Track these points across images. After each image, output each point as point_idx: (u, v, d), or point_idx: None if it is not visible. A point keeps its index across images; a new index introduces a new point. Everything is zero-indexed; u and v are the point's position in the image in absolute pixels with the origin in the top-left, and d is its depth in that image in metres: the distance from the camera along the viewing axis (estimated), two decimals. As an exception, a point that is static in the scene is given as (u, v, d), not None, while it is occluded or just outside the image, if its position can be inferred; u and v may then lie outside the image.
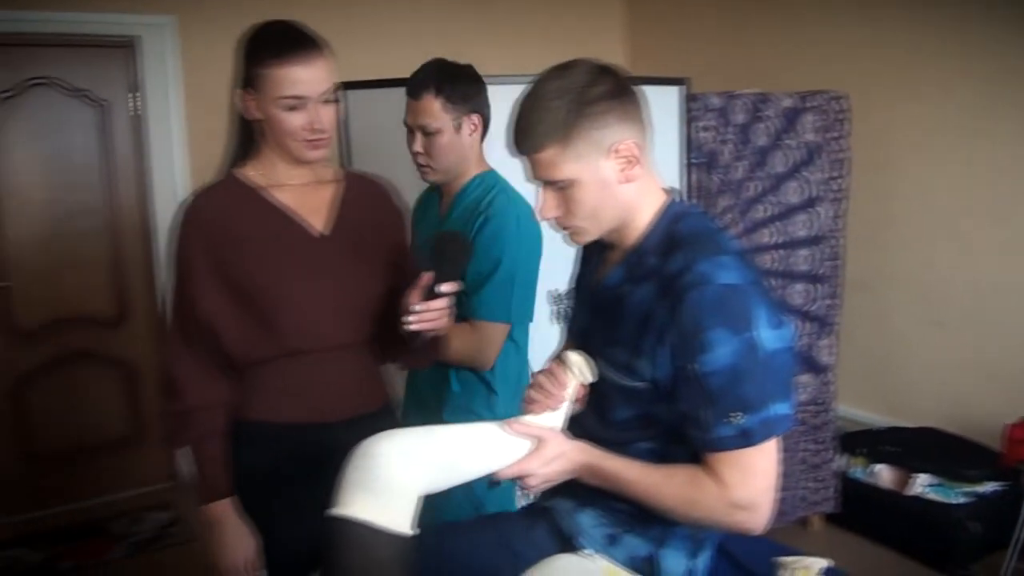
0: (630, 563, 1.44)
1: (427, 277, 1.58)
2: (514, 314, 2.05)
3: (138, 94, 4.09)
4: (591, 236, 1.45)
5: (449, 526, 1.60)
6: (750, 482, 1.32)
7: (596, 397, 1.49)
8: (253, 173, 1.73)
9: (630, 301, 1.40)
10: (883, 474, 3.51)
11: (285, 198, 1.72)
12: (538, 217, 1.44)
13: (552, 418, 1.44)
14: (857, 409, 3.89)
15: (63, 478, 4.12)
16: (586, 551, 1.26)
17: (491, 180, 2.13)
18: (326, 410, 1.71)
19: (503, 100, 2.76)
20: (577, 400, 1.48)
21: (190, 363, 1.66)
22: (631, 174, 1.38)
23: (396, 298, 1.67)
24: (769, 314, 1.30)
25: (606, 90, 1.34)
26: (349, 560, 1.18)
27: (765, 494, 1.33)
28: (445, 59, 2.11)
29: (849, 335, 3.65)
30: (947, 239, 3.60)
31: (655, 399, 1.38)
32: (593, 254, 1.59)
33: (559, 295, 2.88)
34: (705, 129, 3.14)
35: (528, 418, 1.44)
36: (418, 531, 1.24)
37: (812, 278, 3.38)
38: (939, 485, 3.35)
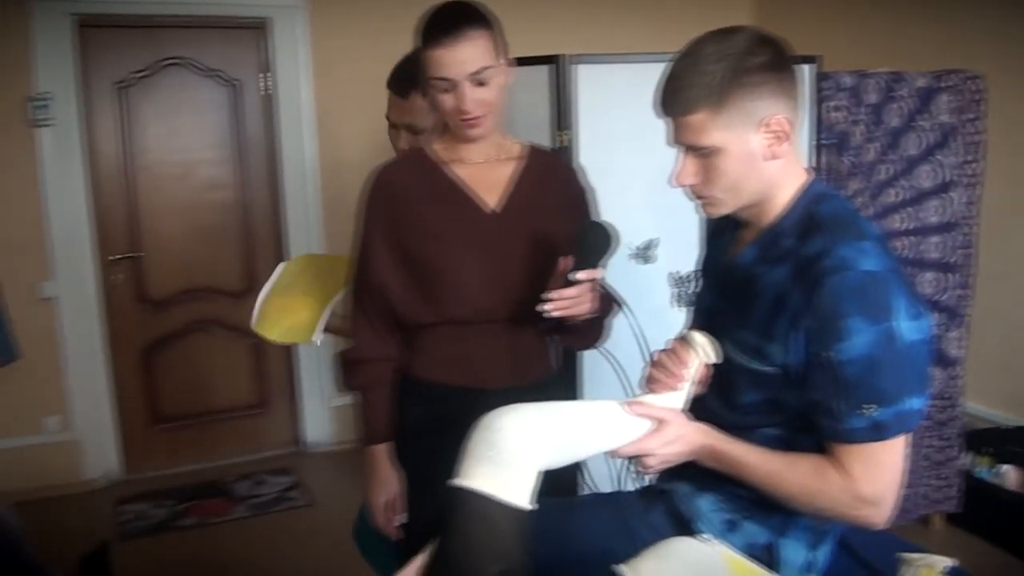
0: (748, 550, 1.42)
1: (564, 263, 1.58)
2: None
3: (269, 74, 4.22)
4: (726, 209, 1.41)
5: (568, 502, 1.61)
6: (877, 476, 1.28)
7: (721, 379, 1.46)
8: (439, 147, 1.82)
9: (763, 282, 1.37)
10: (1009, 475, 3.37)
11: (463, 173, 1.78)
12: (673, 183, 1.41)
13: (673, 399, 1.42)
14: (985, 406, 3.72)
15: (189, 440, 4.35)
16: (704, 536, 1.25)
17: None
18: (483, 377, 1.77)
19: (625, 77, 2.80)
20: (700, 381, 1.46)
21: (364, 319, 1.82)
22: (778, 150, 1.34)
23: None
24: (908, 304, 1.26)
25: (765, 60, 1.30)
26: (468, 530, 1.20)
27: (891, 489, 1.29)
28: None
29: (979, 328, 3.48)
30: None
31: (784, 385, 1.35)
32: (724, 231, 1.56)
33: (680, 277, 2.85)
34: (836, 109, 3.04)
35: (649, 398, 1.42)
36: (537, 506, 1.25)
37: (943, 267, 3.25)
38: (1070, 489, 3.19)
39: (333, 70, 4.17)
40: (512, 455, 1.22)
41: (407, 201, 1.77)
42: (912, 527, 3.44)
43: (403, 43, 3.67)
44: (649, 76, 2.77)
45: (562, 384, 1.95)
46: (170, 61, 4.10)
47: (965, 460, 3.47)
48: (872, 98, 3.07)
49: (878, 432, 1.26)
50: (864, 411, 1.26)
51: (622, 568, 1.15)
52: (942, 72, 3.17)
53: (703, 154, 1.35)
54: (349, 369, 1.84)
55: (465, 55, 1.64)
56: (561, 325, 1.66)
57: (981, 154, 3.25)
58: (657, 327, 2.18)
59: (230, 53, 4.16)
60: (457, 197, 1.77)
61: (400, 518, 1.86)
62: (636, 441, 1.37)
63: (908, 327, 1.25)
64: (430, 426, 1.79)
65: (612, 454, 1.38)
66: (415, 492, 1.85)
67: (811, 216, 1.36)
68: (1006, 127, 3.47)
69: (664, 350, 1.49)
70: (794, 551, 1.44)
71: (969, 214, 3.27)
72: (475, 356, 1.78)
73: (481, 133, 1.73)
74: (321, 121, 4.22)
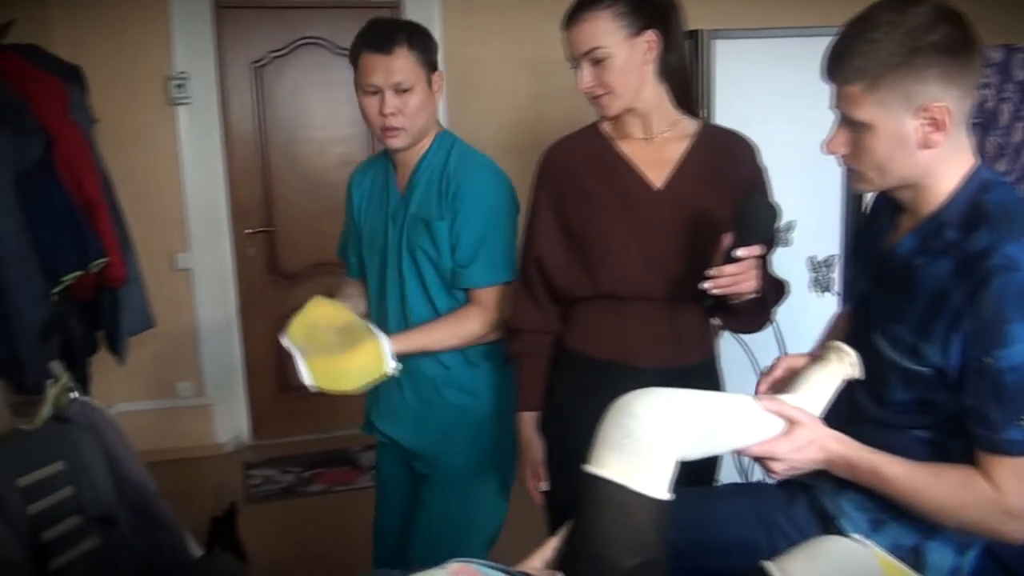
0: (893, 552, 1.34)
1: (727, 240, 1.53)
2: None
3: (400, 54, 4.26)
4: (873, 187, 1.34)
5: (706, 491, 1.56)
6: None
7: (872, 374, 1.38)
8: (606, 125, 1.82)
9: (922, 275, 1.28)
10: None
11: (632, 150, 1.77)
12: (823, 150, 1.35)
13: (812, 403, 1.35)
14: None
15: (315, 409, 4.44)
16: (854, 535, 1.19)
17: (450, 139, 2.02)
18: (635, 355, 1.75)
19: (764, 52, 2.72)
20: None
21: (525, 290, 1.87)
22: (933, 139, 1.24)
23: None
24: None
25: (939, 40, 1.20)
26: (603, 520, 1.15)
27: None
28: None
29: None
30: None
31: (938, 386, 1.27)
32: (882, 213, 1.46)
33: (818, 262, 2.76)
34: (983, 86, 2.87)
35: (786, 397, 1.35)
36: (674, 496, 1.19)
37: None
38: None
39: (464, 49, 4.18)
40: (648, 443, 1.17)
41: (575, 175, 1.78)
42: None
43: (535, 21, 3.67)
44: (788, 52, 2.72)
45: (713, 369, 1.90)
46: (304, 41, 4.19)
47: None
48: (1021, 74, 2.89)
49: None
50: (1021, 422, 1.17)
51: (770, 565, 1.08)
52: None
53: (854, 127, 1.27)
54: (509, 338, 1.91)
55: (585, 35, 1.69)
56: (721, 304, 1.62)
57: None
58: (793, 312, 2.10)
59: (364, 32, 4.22)
60: (623, 173, 1.75)
61: (542, 485, 1.88)
62: (766, 441, 1.30)
63: None
64: (576, 397, 1.80)
65: (740, 452, 1.32)
66: (556, 462, 1.85)
67: (977, 206, 1.26)
68: None
69: (810, 355, 1.42)
70: (941, 555, 1.37)
71: None
72: (628, 332, 1.76)
73: (608, 112, 1.75)
74: (451, 100, 4.24)
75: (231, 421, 4.33)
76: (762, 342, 2.58)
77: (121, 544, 2.19)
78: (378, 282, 2.06)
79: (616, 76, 1.68)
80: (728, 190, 1.74)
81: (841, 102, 1.27)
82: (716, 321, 1.85)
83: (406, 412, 2.07)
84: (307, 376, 1.75)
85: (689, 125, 1.80)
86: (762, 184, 1.82)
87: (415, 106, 1.87)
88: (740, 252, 1.51)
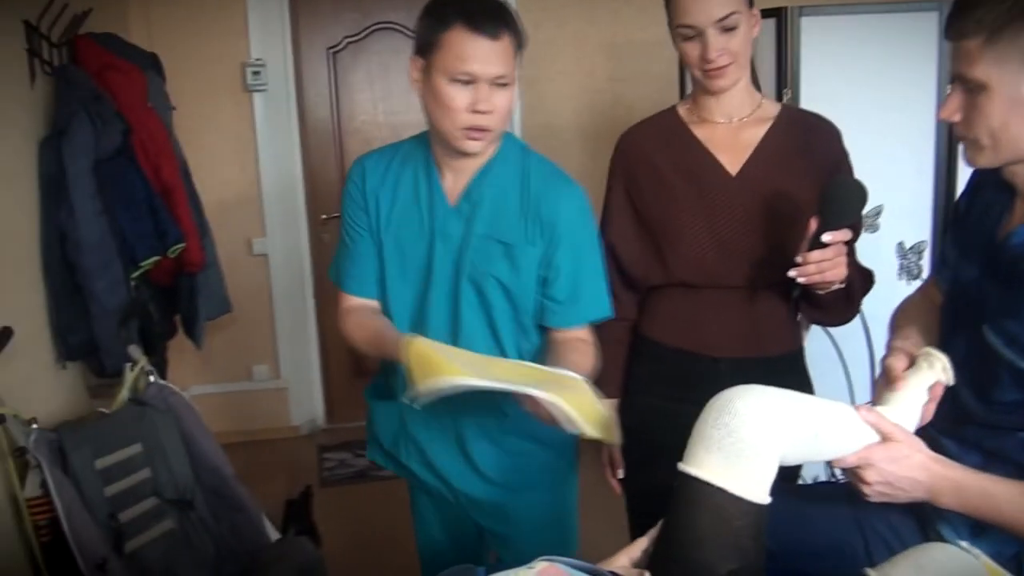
0: (995, 559, 1.24)
1: (813, 224, 1.46)
2: None
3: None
4: (986, 160, 1.24)
5: (800, 489, 1.50)
6: None
7: (979, 370, 1.29)
8: (683, 109, 1.78)
9: None
10: None
11: (709, 134, 1.72)
12: (939, 115, 1.27)
13: (904, 414, 1.27)
14: None
15: (388, 395, 4.48)
16: (961, 543, 1.11)
17: (519, 145, 1.72)
18: (710, 344, 1.72)
19: (852, 29, 2.62)
20: (932, 399, 1.30)
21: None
22: None
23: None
24: None
25: None
26: (699, 523, 1.10)
27: None
28: None
29: None
30: None
31: None
32: (990, 195, 1.36)
33: (907, 248, 2.65)
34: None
35: (882, 409, 1.27)
36: (772, 498, 1.13)
37: None
38: None
39: (538, 32, 4.12)
40: (751, 445, 1.10)
41: (650, 162, 1.74)
42: None
43: (611, 5, 3.58)
44: (876, 28, 2.62)
45: (798, 364, 1.82)
46: (380, 26, 4.18)
47: None
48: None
49: None
50: None
51: (872, 574, 1.03)
52: None
53: (969, 88, 1.19)
54: None
55: (708, 4, 1.57)
56: (807, 295, 1.56)
57: None
58: (881, 301, 1.99)
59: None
60: (698, 159, 1.71)
61: (619, 473, 1.85)
62: (861, 449, 1.21)
63: None
64: (652, 386, 1.79)
65: (835, 462, 1.23)
66: (632, 451, 1.80)
67: None
68: None
69: (902, 364, 1.34)
70: (1045, 563, 1.27)
71: None
72: (703, 321, 1.72)
73: (726, 84, 1.65)
74: (526, 83, 4.20)
75: (306, 405, 4.38)
76: (848, 334, 2.50)
77: (197, 526, 2.22)
78: (415, 311, 1.69)
79: (743, 45, 1.62)
80: (807, 175, 1.67)
81: (958, 61, 1.19)
82: (800, 314, 1.78)
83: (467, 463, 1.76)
84: (582, 424, 1.39)
85: (770, 108, 1.74)
86: (847, 169, 1.74)
87: (508, 106, 1.55)
88: (826, 237, 1.44)
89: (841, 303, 1.66)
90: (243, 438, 4.06)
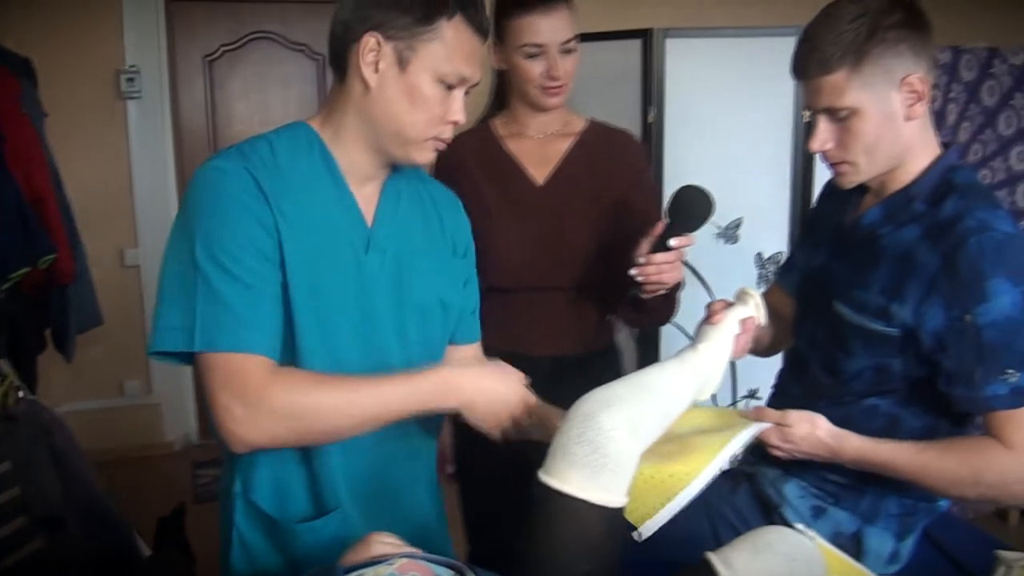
0: (834, 539, 1.38)
1: (659, 227, 1.53)
2: None
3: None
4: (860, 176, 1.37)
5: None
6: None
7: (828, 344, 1.43)
8: (499, 122, 1.86)
9: (888, 242, 1.35)
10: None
11: (519, 148, 1.82)
12: (810, 149, 1.38)
13: (720, 346, 1.38)
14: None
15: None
16: (798, 526, 1.21)
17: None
18: (526, 344, 1.78)
19: (714, 52, 2.76)
20: (746, 331, 1.41)
21: None
22: (915, 110, 1.31)
23: (624, 250, 1.67)
24: None
25: (902, 18, 1.27)
26: (561, 532, 1.12)
27: None
28: None
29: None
30: None
31: (900, 349, 1.32)
32: (840, 194, 1.51)
33: (766, 258, 2.81)
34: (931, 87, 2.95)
35: (702, 346, 1.36)
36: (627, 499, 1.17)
37: (1038, 253, 3.13)
38: None
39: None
40: (616, 459, 1.12)
41: (468, 173, 1.80)
42: (988, 519, 3.34)
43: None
44: (740, 51, 2.77)
45: (613, 360, 1.95)
46: (257, 35, 4.15)
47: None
48: (968, 75, 2.97)
49: (1021, 397, 1.23)
50: (1006, 376, 1.22)
51: (712, 557, 1.07)
52: (1043, 48, 3.05)
53: (840, 117, 1.31)
54: None
55: (562, 23, 1.69)
56: (638, 297, 1.62)
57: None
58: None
59: (316, 27, 4.18)
60: (509, 170, 1.81)
61: (448, 467, 1.92)
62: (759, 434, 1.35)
63: None
64: None
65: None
66: (462, 447, 1.90)
67: (947, 182, 1.33)
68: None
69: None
70: (880, 540, 1.41)
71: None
72: (520, 323, 1.81)
73: (560, 102, 1.77)
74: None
75: (180, 420, 4.28)
76: None
77: (68, 545, 2.16)
78: (331, 357, 1.34)
79: (575, 67, 1.75)
80: (610, 185, 1.81)
81: (822, 96, 1.31)
82: (618, 316, 1.89)
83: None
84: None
85: (577, 123, 1.86)
86: (648, 178, 1.90)
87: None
88: (673, 242, 1.50)
89: (664, 305, 1.75)
90: (116, 456, 3.94)
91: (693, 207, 1.49)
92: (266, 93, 4.23)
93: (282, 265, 1.22)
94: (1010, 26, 3.69)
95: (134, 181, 3.99)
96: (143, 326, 4.10)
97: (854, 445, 1.32)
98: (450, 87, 1.25)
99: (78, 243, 3.02)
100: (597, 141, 1.85)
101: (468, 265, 1.50)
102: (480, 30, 1.27)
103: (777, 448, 1.36)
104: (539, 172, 1.81)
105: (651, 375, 1.25)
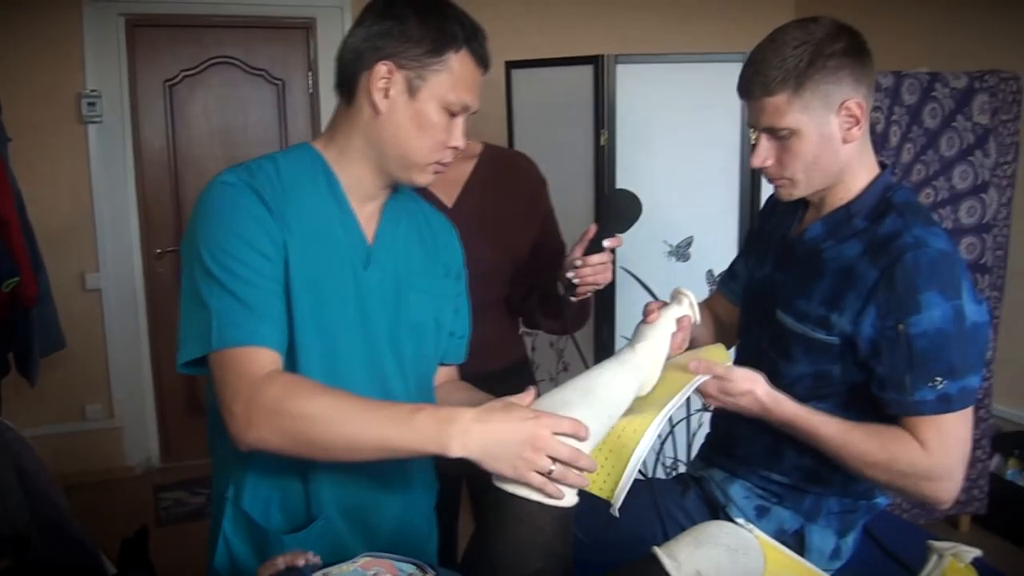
0: (778, 536, 1.45)
1: (591, 230, 1.58)
2: None
3: (312, 73, 4.30)
4: (799, 192, 1.45)
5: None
6: (950, 448, 1.32)
7: (771, 351, 1.51)
8: None
9: (831, 256, 1.42)
10: (1039, 478, 3.37)
11: None
12: (751, 165, 1.45)
13: (658, 345, 1.43)
14: (1014, 408, 3.72)
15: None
16: (739, 520, 1.29)
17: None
18: None
19: (664, 77, 2.85)
20: (683, 328, 1.47)
21: None
22: (852, 133, 1.38)
23: (532, 264, 1.79)
24: (971, 287, 1.32)
25: (844, 46, 1.35)
26: (515, 534, 1.17)
27: (961, 463, 1.34)
28: None
29: (1009, 330, 3.49)
30: None
31: (837, 356, 1.40)
32: (781, 210, 1.59)
33: (716, 276, 2.90)
34: (874, 109, 3.05)
35: (639, 345, 1.41)
36: (577, 498, 1.22)
37: (977, 268, 3.25)
38: (1100, 492, 3.19)
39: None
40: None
41: None
42: (939, 527, 3.45)
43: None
44: (688, 76, 2.86)
45: (526, 372, 2.02)
46: (217, 60, 4.19)
47: (993, 463, 3.48)
48: (910, 98, 3.08)
49: (946, 404, 1.31)
50: (934, 384, 1.30)
51: (659, 551, 1.14)
52: (980, 73, 3.18)
53: (781, 136, 1.39)
54: None
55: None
56: (568, 300, 1.67)
57: (1014, 155, 3.27)
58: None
59: (276, 52, 4.24)
60: (421, 195, 1.76)
61: None
62: (710, 382, 1.40)
63: (973, 308, 1.31)
64: None
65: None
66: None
67: (886, 201, 1.42)
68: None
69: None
70: (822, 537, 1.49)
71: (1003, 215, 3.28)
72: None
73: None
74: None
75: (141, 444, 4.28)
76: None
77: (34, 564, 2.16)
78: (329, 373, 1.36)
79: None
80: (512, 203, 1.90)
81: (764, 116, 1.39)
82: (538, 324, 1.95)
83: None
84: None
85: (474, 147, 1.93)
86: (545, 194, 1.97)
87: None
88: (607, 242, 1.56)
89: (583, 311, 1.85)
90: (77, 480, 3.93)
91: (624, 209, 1.56)
92: (226, 117, 4.26)
93: (286, 275, 1.28)
94: (950, 52, 3.83)
95: (95, 205, 4.00)
96: (104, 350, 4.11)
97: (789, 409, 1.39)
98: (453, 114, 1.33)
99: (41, 267, 3.03)
100: (496, 162, 1.93)
101: (460, 289, 1.56)
102: (482, 62, 1.34)
103: (714, 399, 1.43)
104: (447, 195, 1.87)
105: (596, 378, 1.29)
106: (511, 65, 3.02)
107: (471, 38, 1.31)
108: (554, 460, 1.14)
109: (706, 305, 1.79)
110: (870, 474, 1.37)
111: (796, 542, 1.48)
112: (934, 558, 1.30)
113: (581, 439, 1.16)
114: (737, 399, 1.41)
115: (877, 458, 1.35)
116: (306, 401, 1.17)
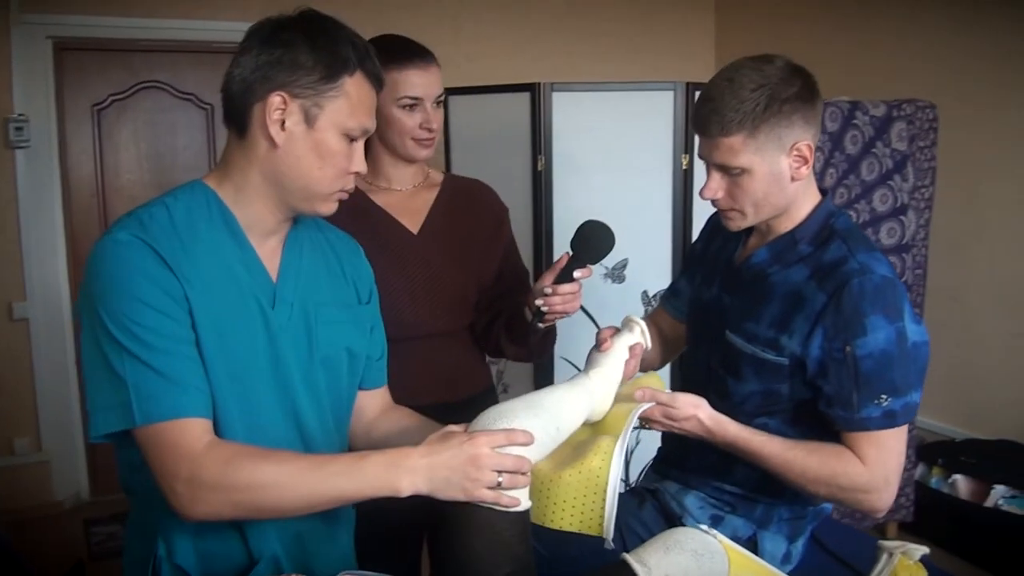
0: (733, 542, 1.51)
1: (563, 259, 1.60)
2: None
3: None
4: (747, 223, 1.51)
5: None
6: (888, 461, 1.40)
7: (720, 370, 1.57)
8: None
9: (777, 281, 1.49)
10: (960, 485, 3.51)
11: (385, 201, 1.87)
12: (702, 195, 1.50)
13: (611, 373, 1.48)
14: (936, 420, 3.87)
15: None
16: (700, 526, 1.33)
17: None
18: (415, 392, 1.71)
19: (598, 104, 2.92)
20: (635, 356, 1.52)
21: None
22: (801, 172, 1.45)
23: (495, 292, 1.82)
24: (911, 309, 1.41)
25: (798, 91, 1.41)
26: (476, 542, 1.22)
27: (897, 474, 1.41)
28: None
29: (930, 345, 3.61)
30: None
31: (787, 375, 1.46)
32: (722, 230, 1.63)
33: (651, 296, 2.95)
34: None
35: (593, 372, 1.46)
36: (531, 502, 1.29)
37: (898, 286, 3.38)
38: (1016, 497, 3.32)
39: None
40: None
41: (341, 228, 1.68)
42: (869, 533, 3.55)
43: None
44: (621, 104, 2.94)
45: (493, 398, 2.03)
46: (146, 84, 4.14)
47: (918, 471, 3.62)
48: (832, 125, 3.21)
49: (891, 420, 1.39)
50: (880, 401, 1.38)
51: (628, 557, 1.20)
52: (898, 101, 3.33)
53: (733, 173, 1.45)
54: None
55: (435, 78, 1.80)
56: (536, 327, 1.68)
57: (931, 179, 3.42)
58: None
59: (205, 77, 4.21)
60: (384, 223, 1.84)
61: None
62: (646, 411, 1.45)
63: (913, 329, 1.39)
64: None
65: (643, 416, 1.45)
66: None
67: (828, 227, 1.49)
68: (956, 153, 3.64)
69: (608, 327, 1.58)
70: (774, 543, 1.55)
71: (921, 236, 3.43)
72: (406, 372, 1.73)
73: (430, 153, 1.85)
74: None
75: (69, 477, 4.15)
76: None
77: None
78: (246, 421, 1.34)
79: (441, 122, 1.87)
80: (476, 230, 1.93)
81: (717, 153, 1.44)
82: (505, 351, 1.94)
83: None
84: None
85: (436, 176, 1.97)
86: (507, 221, 2.01)
87: None
88: (577, 273, 1.58)
89: (549, 338, 1.88)
90: (7, 516, 3.78)
91: (598, 240, 1.58)
92: (155, 142, 4.21)
93: (193, 327, 1.23)
94: (869, 83, 3.99)
95: (22, 232, 3.90)
96: (32, 381, 4.00)
97: (731, 432, 1.45)
98: (353, 139, 1.30)
99: (-32, 296, 2.95)
100: (458, 191, 1.96)
101: (372, 311, 1.53)
102: (377, 82, 1.32)
103: (658, 424, 1.48)
104: (411, 223, 1.87)
105: (545, 394, 1.34)
106: (448, 92, 3.05)
107: (364, 59, 1.29)
108: (500, 472, 1.19)
109: (651, 320, 1.84)
110: (812, 489, 1.44)
111: (749, 548, 1.52)
112: (884, 556, 1.36)
113: (522, 444, 1.22)
114: (682, 423, 1.46)
115: (818, 474, 1.41)
116: (252, 471, 1.17)
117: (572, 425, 1.36)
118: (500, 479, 1.19)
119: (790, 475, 1.43)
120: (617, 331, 1.55)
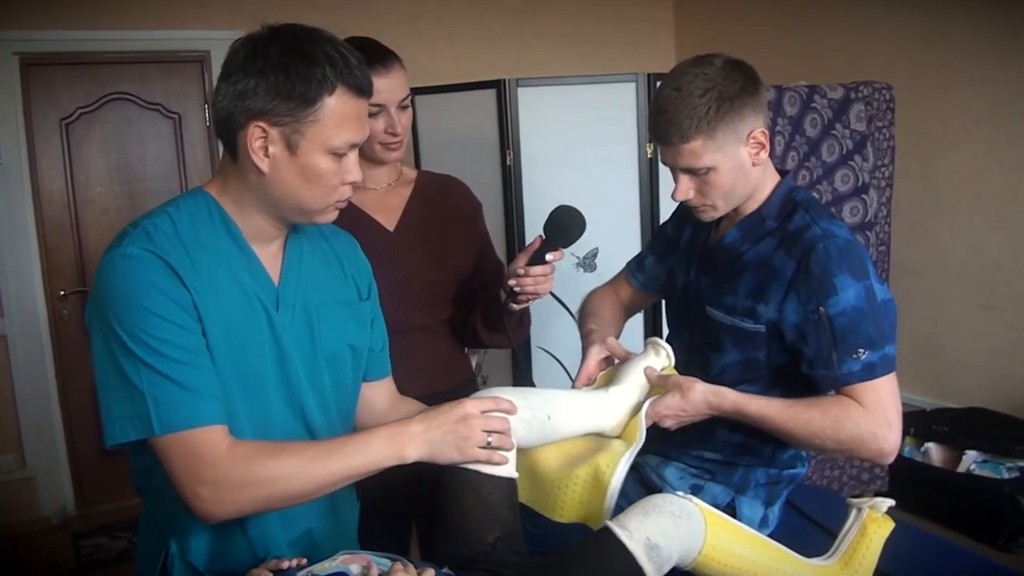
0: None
1: (536, 242, 1.67)
2: None
3: (209, 106, 4.28)
4: (720, 213, 1.60)
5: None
6: (886, 402, 1.46)
7: (703, 348, 1.65)
8: None
9: (750, 256, 1.58)
10: (933, 453, 3.60)
11: (360, 200, 1.89)
12: (674, 198, 1.59)
13: (635, 393, 1.58)
14: (907, 392, 3.92)
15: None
16: (679, 493, 1.40)
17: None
18: (401, 388, 1.71)
19: (562, 98, 2.97)
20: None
21: None
22: (760, 157, 1.54)
23: (473, 286, 1.87)
24: (875, 270, 1.49)
25: (742, 85, 1.49)
26: (464, 502, 1.34)
27: (898, 415, 1.47)
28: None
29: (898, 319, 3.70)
30: (993, 223, 3.66)
31: (764, 343, 1.55)
32: (690, 220, 1.74)
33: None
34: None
35: (614, 389, 1.57)
36: (517, 473, 1.40)
37: (862, 262, 3.45)
38: (988, 461, 3.42)
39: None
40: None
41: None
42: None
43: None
44: (585, 97, 3.00)
45: (473, 389, 2.05)
46: (113, 96, 4.15)
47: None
48: (791, 110, 3.28)
49: (871, 371, 1.46)
50: (857, 355, 1.45)
51: (610, 523, 1.28)
52: (855, 84, 3.41)
53: (699, 173, 1.53)
54: None
55: (397, 83, 1.82)
56: (511, 309, 1.74)
57: (891, 158, 3.51)
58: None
59: (171, 86, 4.23)
60: (362, 222, 1.87)
61: None
62: (658, 403, 1.53)
63: (879, 288, 1.48)
64: None
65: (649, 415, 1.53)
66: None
67: (790, 201, 1.59)
68: (915, 132, 3.75)
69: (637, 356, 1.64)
70: (751, 507, 1.63)
71: (883, 214, 3.52)
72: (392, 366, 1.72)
73: (399, 155, 1.89)
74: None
75: (55, 492, 4.15)
76: (574, 357, 2.78)
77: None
78: (257, 422, 1.39)
79: (410, 123, 1.91)
80: (451, 225, 1.97)
81: (681, 158, 1.52)
82: (482, 339, 1.99)
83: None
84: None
85: (410, 173, 2.01)
86: (481, 215, 2.06)
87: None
88: (550, 256, 1.65)
89: (523, 320, 1.92)
90: (-7, 533, 3.80)
91: (569, 224, 1.64)
92: (124, 153, 4.22)
93: (203, 333, 1.26)
94: (825, 67, 4.07)
95: (-4, 248, 3.90)
96: (13, 398, 4.00)
97: (730, 399, 1.52)
98: (342, 155, 1.29)
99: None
100: (432, 187, 2.00)
101: (372, 305, 1.57)
102: (361, 91, 1.29)
103: (675, 418, 1.54)
104: (388, 220, 1.91)
105: (542, 388, 1.47)
106: (413, 91, 3.09)
107: (344, 72, 1.25)
108: (490, 433, 1.34)
109: (612, 288, 1.96)
110: (818, 443, 1.49)
111: (728, 513, 1.58)
112: (854, 512, 1.45)
113: (507, 412, 1.39)
114: (695, 406, 1.52)
115: (823, 424, 1.47)
116: (274, 464, 1.23)
117: (569, 420, 1.48)
118: (489, 439, 1.34)
119: (796, 431, 1.48)
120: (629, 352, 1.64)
